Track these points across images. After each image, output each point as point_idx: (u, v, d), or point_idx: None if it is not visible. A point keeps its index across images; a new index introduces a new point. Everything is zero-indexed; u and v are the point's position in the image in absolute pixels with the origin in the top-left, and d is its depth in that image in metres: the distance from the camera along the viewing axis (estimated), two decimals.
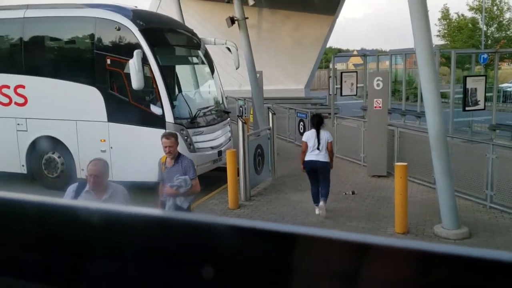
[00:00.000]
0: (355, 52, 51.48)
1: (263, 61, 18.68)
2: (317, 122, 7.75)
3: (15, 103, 9.55)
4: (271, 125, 10.38)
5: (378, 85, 10.14)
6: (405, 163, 7.39)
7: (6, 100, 9.59)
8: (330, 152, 7.73)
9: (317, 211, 7.80)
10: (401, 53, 20.20)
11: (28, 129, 9.57)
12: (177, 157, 5.34)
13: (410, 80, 22.41)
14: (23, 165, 9.71)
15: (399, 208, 7.03)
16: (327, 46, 33.74)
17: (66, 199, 4.43)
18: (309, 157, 7.64)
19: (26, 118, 9.53)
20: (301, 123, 13.73)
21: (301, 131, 13.62)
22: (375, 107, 10.16)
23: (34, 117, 9.45)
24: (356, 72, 19.42)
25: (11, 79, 9.55)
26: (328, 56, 41.85)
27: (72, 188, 4.48)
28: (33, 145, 9.62)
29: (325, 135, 7.68)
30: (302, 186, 9.55)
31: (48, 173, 9.69)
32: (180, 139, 8.49)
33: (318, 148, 7.57)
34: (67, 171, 9.53)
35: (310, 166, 7.65)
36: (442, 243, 0.41)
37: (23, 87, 9.47)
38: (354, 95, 19.24)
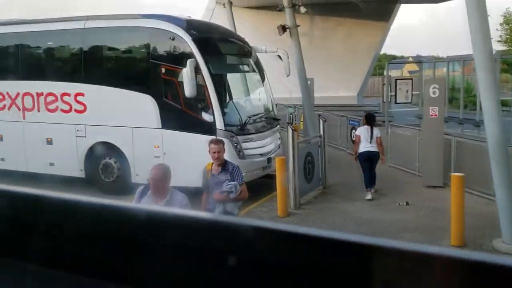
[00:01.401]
0: (410, 59, 50.22)
1: (315, 68, 18.53)
2: (371, 120, 9.37)
3: (75, 110, 9.99)
4: (321, 132, 10.27)
5: (434, 92, 9.81)
6: (462, 174, 7.10)
7: (66, 107, 10.06)
8: (380, 145, 9.23)
9: (369, 196, 9.07)
10: (459, 60, 19.47)
11: (86, 135, 9.97)
12: (224, 163, 5.36)
13: (468, 87, 21.52)
14: (81, 170, 10.12)
15: (456, 220, 6.74)
16: (381, 52, 33.11)
17: (133, 201, 4.60)
18: (364, 148, 9.08)
19: (85, 125, 9.94)
20: (353, 130, 13.47)
21: (353, 139, 13.37)
22: (431, 115, 9.83)
23: (93, 123, 9.84)
24: (411, 79, 18.89)
25: (71, 87, 10.00)
26: (382, 63, 41.03)
27: (139, 190, 4.65)
28: (91, 150, 10.01)
29: (375, 130, 9.19)
30: (353, 196, 9.38)
31: (105, 178, 10.04)
32: (230, 146, 8.62)
33: (370, 142, 9.06)
34: (122, 176, 9.84)
35: (366, 156, 9.08)
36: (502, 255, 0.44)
37: (83, 94, 9.89)
38: (409, 102, 18.70)
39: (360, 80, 24.33)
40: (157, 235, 0.59)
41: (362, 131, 9.23)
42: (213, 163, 5.40)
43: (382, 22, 23.68)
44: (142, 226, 0.60)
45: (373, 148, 9.06)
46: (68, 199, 0.67)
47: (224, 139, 8.39)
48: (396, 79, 18.59)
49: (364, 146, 9.06)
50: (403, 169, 11.23)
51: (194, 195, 5.70)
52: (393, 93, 17.74)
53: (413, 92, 17.94)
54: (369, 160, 9.07)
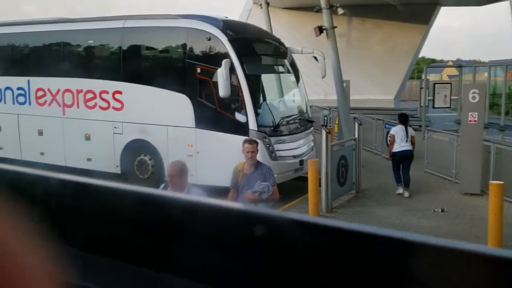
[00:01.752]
0: (450, 63, 49.02)
1: (352, 70, 18.35)
2: (405, 119, 9.67)
3: (113, 107, 10.21)
4: (356, 135, 10.14)
5: (473, 98, 9.53)
6: (501, 182, 6.86)
7: (105, 105, 10.29)
8: (413, 144, 9.54)
9: (401, 190, 9.42)
10: (502, 64, 18.85)
11: (123, 132, 10.17)
12: (257, 164, 5.38)
13: (511, 93, 20.80)
14: (117, 166, 10.34)
15: (493, 229, 6.52)
16: (420, 56, 32.47)
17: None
18: (399, 148, 9.41)
19: (122, 122, 10.14)
20: (389, 134, 13.26)
21: (389, 143, 13.16)
22: (470, 121, 9.55)
23: (129, 121, 10.04)
24: (450, 83, 18.44)
25: (110, 85, 10.22)
26: (421, 67, 40.18)
27: (161, 187, 4.83)
28: (127, 147, 10.21)
29: (409, 130, 9.53)
30: (387, 201, 9.22)
31: (139, 174, 10.22)
32: (262, 147, 8.62)
33: (406, 141, 9.40)
34: (156, 173, 9.99)
35: (401, 155, 9.40)
36: None
37: (120, 92, 10.10)
38: (448, 107, 18.25)
39: (397, 83, 23.94)
40: (195, 224, 0.61)
41: (397, 131, 9.56)
42: (244, 162, 5.42)
43: (421, 25, 23.23)
44: (180, 215, 0.62)
45: (408, 147, 9.43)
46: (109, 187, 0.71)
47: (257, 140, 8.41)
48: (434, 83, 18.20)
49: (400, 146, 9.41)
50: (440, 175, 10.96)
51: (224, 194, 5.74)
52: (431, 98, 17.38)
53: (452, 97, 17.52)
54: (403, 159, 9.43)
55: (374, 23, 23.18)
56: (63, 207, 0.74)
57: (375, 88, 23.15)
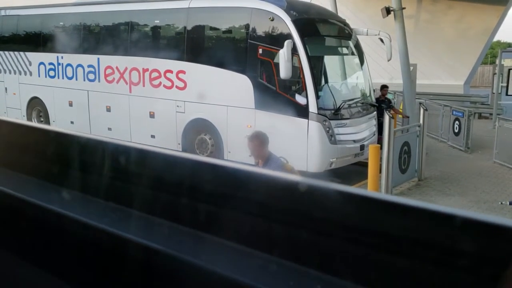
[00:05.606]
0: None
1: (419, 53, 17.62)
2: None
3: (176, 86, 10.43)
4: (421, 121, 9.77)
5: None
6: None
7: (169, 84, 10.53)
8: None
9: None
10: None
11: (185, 111, 10.39)
12: (268, 159, 4.70)
13: None
14: (179, 144, 10.60)
15: None
16: (495, 39, 30.61)
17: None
18: None
19: (184, 101, 10.36)
20: (457, 122, 12.68)
21: (456, 130, 12.61)
22: None
23: (191, 100, 10.22)
24: None
25: (174, 65, 10.43)
26: (495, 51, 37.90)
27: None
28: (189, 126, 10.43)
29: None
30: (450, 191, 8.87)
31: (199, 153, 10.43)
32: (322, 130, 8.51)
33: None
34: (215, 152, 10.15)
35: None
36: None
37: (184, 72, 10.28)
38: None
39: (468, 68, 22.67)
40: (244, 191, 0.63)
41: None
42: None
43: (498, 6, 21.76)
44: (231, 182, 0.65)
45: None
46: (168, 154, 0.75)
47: (316, 123, 8.30)
48: (509, 69, 17.13)
49: None
50: (510, 166, 10.37)
51: None
52: (505, 84, 16.41)
53: None
54: None
55: (446, 3, 22.00)
56: (120, 172, 0.80)
57: (443, 73, 22.09)
